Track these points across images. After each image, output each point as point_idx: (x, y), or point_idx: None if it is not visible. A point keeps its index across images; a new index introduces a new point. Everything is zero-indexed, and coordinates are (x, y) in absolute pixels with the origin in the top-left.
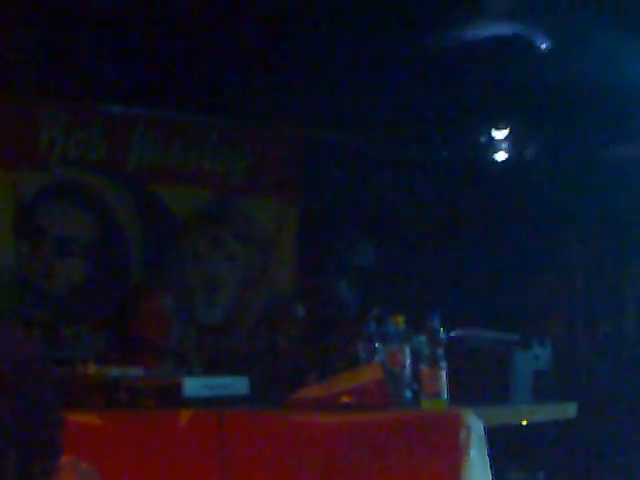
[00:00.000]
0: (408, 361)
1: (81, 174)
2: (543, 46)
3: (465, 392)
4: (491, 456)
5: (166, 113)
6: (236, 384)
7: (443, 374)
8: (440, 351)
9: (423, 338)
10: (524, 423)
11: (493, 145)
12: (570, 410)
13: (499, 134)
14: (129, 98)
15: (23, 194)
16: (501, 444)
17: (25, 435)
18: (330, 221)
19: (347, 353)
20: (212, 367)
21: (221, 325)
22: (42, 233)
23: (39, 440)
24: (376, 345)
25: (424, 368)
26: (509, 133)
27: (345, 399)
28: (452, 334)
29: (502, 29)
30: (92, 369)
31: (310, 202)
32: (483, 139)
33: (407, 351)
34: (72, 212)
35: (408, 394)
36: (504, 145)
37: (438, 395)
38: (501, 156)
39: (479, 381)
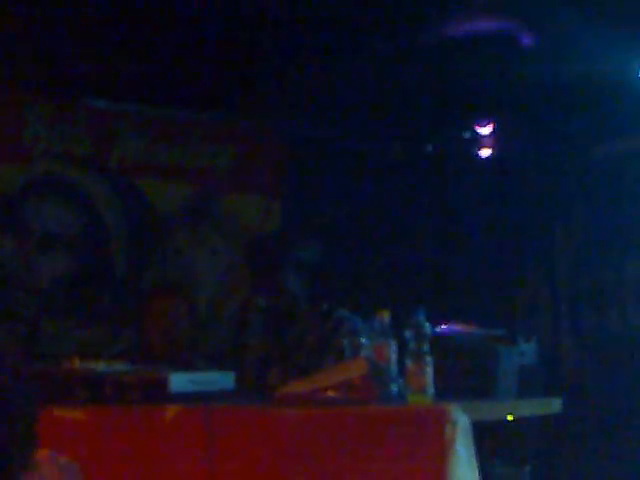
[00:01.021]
0: (394, 356)
1: (65, 169)
2: (527, 41)
3: (451, 387)
4: (477, 451)
5: (151, 108)
6: (222, 379)
7: (429, 369)
8: (426, 346)
9: (408, 333)
10: (510, 418)
11: (477, 141)
12: (555, 405)
13: (483, 130)
14: (114, 93)
15: (7, 189)
16: (487, 439)
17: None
18: (309, 217)
19: (304, 347)
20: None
21: (202, 321)
22: (26, 228)
23: (14, 433)
24: (362, 340)
25: (410, 363)
26: (493, 129)
27: (331, 394)
28: (437, 330)
29: (486, 25)
30: (77, 364)
31: (292, 197)
32: (467, 135)
33: (393, 346)
34: (56, 207)
35: (394, 389)
36: (488, 141)
37: (424, 390)
38: (485, 152)
39: (465, 376)
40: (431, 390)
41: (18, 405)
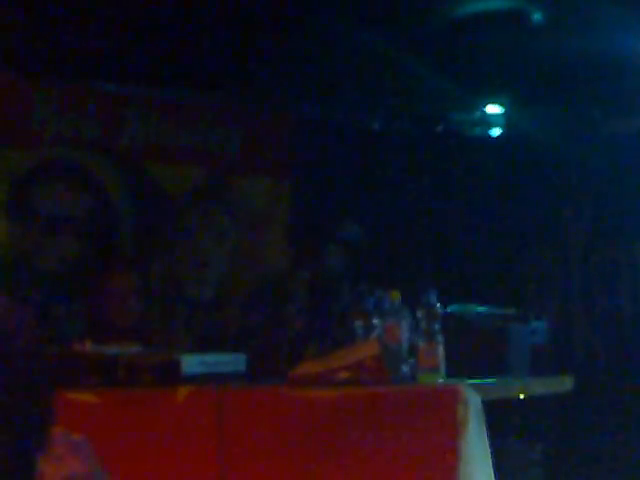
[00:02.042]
0: (405, 336)
1: (74, 152)
2: (538, 19)
3: (462, 366)
4: (489, 429)
5: (159, 92)
6: (234, 361)
7: (440, 349)
8: (437, 326)
9: (420, 313)
10: (521, 397)
11: (488, 120)
12: (566, 383)
13: (494, 109)
14: (123, 76)
15: (16, 173)
16: (498, 417)
17: (14, 407)
18: (321, 197)
19: (345, 324)
20: (203, 344)
21: (211, 302)
22: (35, 211)
23: (29, 412)
24: (373, 321)
25: (421, 343)
26: (504, 108)
27: (343, 375)
28: (449, 309)
29: (496, 2)
30: (89, 347)
31: (302, 179)
32: (478, 114)
33: (404, 326)
34: (65, 190)
35: (405, 369)
36: (498, 120)
37: (435, 370)
38: (496, 131)
39: (476, 355)
40: (442, 370)
41: (33, 384)
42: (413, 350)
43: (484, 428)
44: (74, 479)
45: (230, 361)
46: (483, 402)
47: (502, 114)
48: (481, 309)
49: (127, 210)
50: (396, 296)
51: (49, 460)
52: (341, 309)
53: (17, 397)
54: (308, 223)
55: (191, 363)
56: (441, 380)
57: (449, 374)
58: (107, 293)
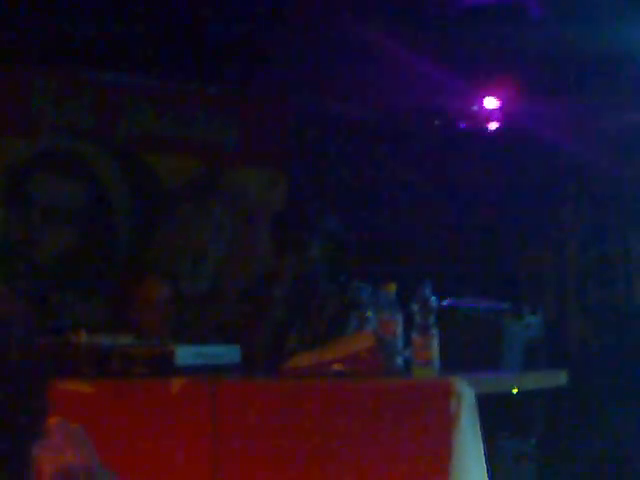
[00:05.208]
0: (400, 329)
1: (71, 143)
2: (536, 12)
3: (456, 360)
4: (482, 424)
5: (157, 82)
6: (228, 353)
7: (435, 342)
8: (431, 319)
9: (415, 306)
10: (515, 391)
11: (485, 114)
12: (561, 378)
13: (491, 103)
14: (120, 67)
15: (12, 162)
16: (492, 412)
17: (10, 397)
18: (316, 189)
19: (323, 317)
20: (197, 336)
21: (206, 295)
22: (31, 201)
23: (25, 402)
24: (368, 313)
25: (416, 336)
26: (501, 102)
27: (337, 367)
28: (444, 303)
29: None
30: (83, 337)
31: (298, 171)
32: (475, 108)
33: (399, 319)
34: (61, 180)
35: (400, 362)
36: (496, 114)
37: (429, 363)
38: (493, 125)
39: (471, 349)
40: (437, 363)
41: (29, 374)
42: (407, 343)
43: (477, 422)
44: (71, 469)
45: (224, 353)
46: (477, 396)
47: (499, 108)
48: (476, 303)
49: (123, 201)
50: (391, 289)
51: (46, 450)
52: (320, 301)
53: (13, 387)
54: (294, 214)
55: (185, 354)
56: (435, 374)
57: (443, 368)
58: (139, 302)
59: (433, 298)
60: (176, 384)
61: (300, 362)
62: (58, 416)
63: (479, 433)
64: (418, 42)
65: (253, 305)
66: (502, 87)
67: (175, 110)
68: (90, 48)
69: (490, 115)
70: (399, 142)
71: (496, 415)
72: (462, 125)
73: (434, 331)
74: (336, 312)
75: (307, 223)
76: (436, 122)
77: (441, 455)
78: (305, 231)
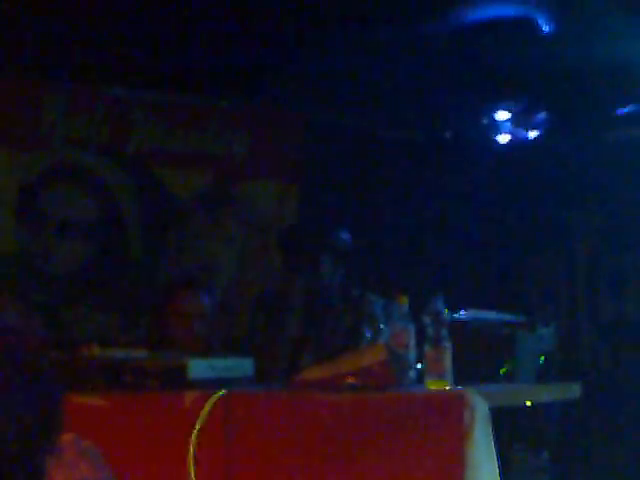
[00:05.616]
0: (412, 342)
1: (82, 156)
2: (547, 28)
3: (469, 373)
4: (495, 437)
5: (168, 95)
6: (241, 365)
7: (447, 355)
8: (444, 332)
9: (427, 319)
10: (528, 404)
11: (496, 127)
12: (574, 390)
13: (502, 116)
14: (131, 80)
15: (24, 176)
16: (505, 424)
17: (24, 411)
18: (327, 202)
19: (338, 331)
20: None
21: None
22: (43, 215)
23: (39, 417)
24: (381, 326)
25: (428, 349)
26: (512, 115)
27: (349, 380)
28: (456, 315)
29: (505, 10)
30: (96, 351)
31: (309, 183)
32: (486, 121)
33: (411, 332)
34: (73, 194)
35: (412, 375)
36: (507, 127)
37: (442, 376)
38: (504, 138)
39: (483, 362)
40: (449, 376)
41: (43, 388)
42: (420, 356)
43: (491, 435)
44: None
45: (237, 366)
46: (490, 409)
47: (510, 120)
48: (489, 315)
49: (135, 214)
50: (404, 302)
51: (59, 465)
52: (334, 317)
53: (28, 401)
54: (304, 229)
55: (198, 368)
56: (448, 386)
57: (456, 380)
58: (173, 316)
59: (446, 311)
60: (189, 397)
61: (312, 375)
62: (70, 429)
63: (493, 446)
64: (428, 55)
65: (266, 319)
66: (513, 100)
67: (186, 124)
68: (101, 62)
69: (500, 127)
70: (410, 155)
71: (510, 428)
72: (473, 137)
73: (447, 344)
74: (351, 326)
75: (318, 239)
76: (447, 134)
77: (454, 468)
78: (317, 247)
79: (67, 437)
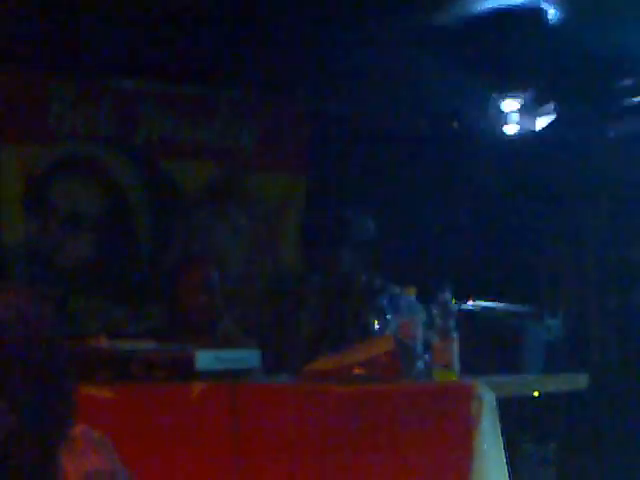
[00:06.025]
0: (420, 333)
1: (90, 149)
2: (553, 16)
3: (477, 363)
4: (503, 427)
5: (175, 87)
6: (248, 357)
7: (455, 345)
8: (452, 323)
9: (435, 310)
10: (536, 394)
11: (503, 117)
12: (581, 381)
13: (509, 106)
14: (138, 72)
15: (33, 169)
16: (513, 415)
17: (37, 402)
18: (335, 194)
19: (359, 324)
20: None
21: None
22: (51, 208)
23: (52, 407)
24: (388, 317)
25: (436, 340)
26: (520, 105)
27: (357, 371)
28: (464, 306)
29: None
30: (104, 342)
31: (317, 175)
32: (493, 111)
33: (419, 323)
34: (81, 187)
35: (420, 365)
36: (514, 117)
37: (450, 367)
38: (511, 128)
39: (491, 352)
40: (457, 366)
41: (56, 379)
42: (427, 347)
43: (498, 425)
44: (96, 475)
45: (244, 357)
46: (497, 399)
47: (519, 110)
48: (496, 306)
49: (142, 206)
50: (411, 292)
51: (71, 456)
52: (354, 311)
53: (40, 391)
54: (321, 224)
55: (205, 359)
56: (455, 377)
57: (463, 371)
58: (181, 288)
59: (453, 301)
60: (196, 389)
61: (319, 366)
62: (78, 420)
63: (500, 436)
64: (435, 45)
65: (279, 316)
66: (521, 89)
67: (193, 115)
68: (108, 54)
69: (508, 117)
70: (417, 145)
71: (517, 418)
72: (481, 127)
73: (454, 334)
74: (362, 318)
75: (339, 234)
76: (455, 125)
77: (462, 458)
78: (336, 242)
79: (79, 428)
